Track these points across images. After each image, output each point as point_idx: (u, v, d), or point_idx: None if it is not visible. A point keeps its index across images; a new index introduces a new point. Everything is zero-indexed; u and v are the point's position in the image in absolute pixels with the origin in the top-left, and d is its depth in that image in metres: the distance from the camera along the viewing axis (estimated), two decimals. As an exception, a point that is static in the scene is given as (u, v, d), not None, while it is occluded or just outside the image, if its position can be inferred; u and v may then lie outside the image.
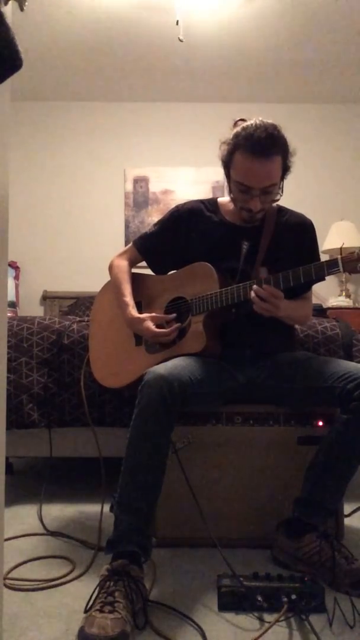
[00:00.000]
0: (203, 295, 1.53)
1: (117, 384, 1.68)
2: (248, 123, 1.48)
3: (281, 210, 1.68)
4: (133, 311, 1.62)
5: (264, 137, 1.43)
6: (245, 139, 1.45)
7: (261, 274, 1.51)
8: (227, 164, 1.53)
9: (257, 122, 1.46)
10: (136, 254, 1.76)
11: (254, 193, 1.49)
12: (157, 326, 1.56)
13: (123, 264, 1.75)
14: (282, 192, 1.55)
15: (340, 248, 1.37)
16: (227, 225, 1.63)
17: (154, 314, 1.58)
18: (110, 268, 1.78)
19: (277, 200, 1.58)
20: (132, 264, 1.77)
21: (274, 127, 1.46)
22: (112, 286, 1.75)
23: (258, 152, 1.44)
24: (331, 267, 1.34)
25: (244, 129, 1.47)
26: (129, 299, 1.66)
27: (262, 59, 3.85)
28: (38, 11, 3.29)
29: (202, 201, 1.73)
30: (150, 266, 1.77)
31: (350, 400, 1.33)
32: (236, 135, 1.48)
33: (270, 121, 1.48)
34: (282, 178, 1.53)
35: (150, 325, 1.55)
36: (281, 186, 1.54)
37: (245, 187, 1.49)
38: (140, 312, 1.67)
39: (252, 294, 1.43)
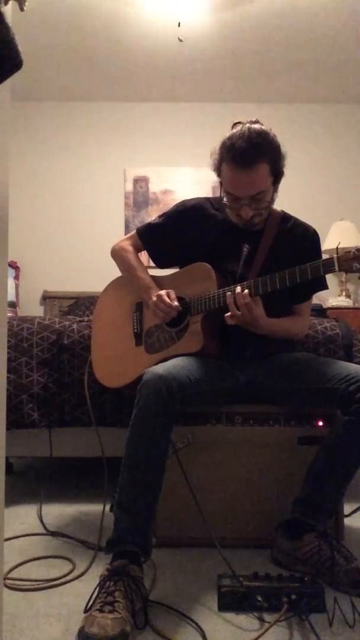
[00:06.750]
0: (201, 296, 1.53)
1: (117, 384, 1.68)
2: (233, 132, 1.46)
3: (286, 216, 1.67)
4: (148, 280, 1.66)
5: (245, 147, 1.41)
6: (228, 150, 1.45)
7: None
8: (218, 174, 1.54)
9: (243, 129, 1.44)
10: (139, 243, 1.76)
11: (243, 202, 1.50)
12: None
13: (129, 248, 1.76)
14: (276, 195, 1.55)
15: (337, 247, 1.36)
16: (230, 225, 1.62)
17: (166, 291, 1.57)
18: (115, 251, 1.77)
19: (271, 204, 1.57)
20: (136, 250, 1.77)
21: (258, 134, 1.43)
22: (121, 263, 1.75)
23: (240, 163, 1.43)
24: (327, 266, 1.34)
25: (229, 138, 1.46)
26: (142, 273, 1.68)
27: (261, 59, 3.84)
28: (38, 11, 3.29)
29: (208, 199, 1.72)
30: (150, 256, 1.76)
31: (352, 403, 1.33)
32: (222, 146, 1.48)
33: (257, 126, 1.45)
34: (275, 182, 1.52)
35: (162, 291, 1.55)
36: (275, 189, 1.53)
37: (234, 197, 1.51)
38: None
39: (229, 299, 1.43)
